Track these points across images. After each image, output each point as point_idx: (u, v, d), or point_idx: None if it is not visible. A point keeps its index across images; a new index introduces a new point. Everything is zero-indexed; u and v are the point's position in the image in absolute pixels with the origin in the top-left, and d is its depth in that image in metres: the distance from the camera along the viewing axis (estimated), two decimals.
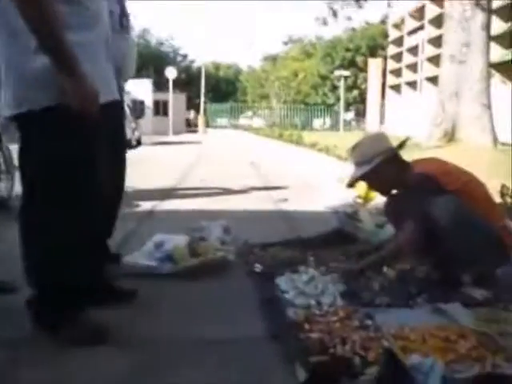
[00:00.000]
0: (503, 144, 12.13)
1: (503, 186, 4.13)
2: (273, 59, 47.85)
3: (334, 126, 30.79)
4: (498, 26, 17.06)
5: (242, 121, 35.31)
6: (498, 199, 4.05)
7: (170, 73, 23.40)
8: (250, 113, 37.37)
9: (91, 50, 1.66)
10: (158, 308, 2.02)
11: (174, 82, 23.97)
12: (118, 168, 2.18)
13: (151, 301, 2.06)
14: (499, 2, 16.87)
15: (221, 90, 47.63)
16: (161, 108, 24.79)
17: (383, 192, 2.46)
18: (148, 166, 7.71)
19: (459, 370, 1.41)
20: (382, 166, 2.28)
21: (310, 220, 3.76)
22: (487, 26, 12.59)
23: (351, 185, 2.47)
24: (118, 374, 1.50)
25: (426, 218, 2.12)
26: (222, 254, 2.50)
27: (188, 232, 2.72)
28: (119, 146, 2.17)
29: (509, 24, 17.28)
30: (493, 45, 15.86)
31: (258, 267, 2.41)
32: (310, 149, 12.00)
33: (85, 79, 1.56)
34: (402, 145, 2.42)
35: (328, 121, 34.38)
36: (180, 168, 7.65)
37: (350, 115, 35.26)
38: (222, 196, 5.04)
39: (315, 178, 6.43)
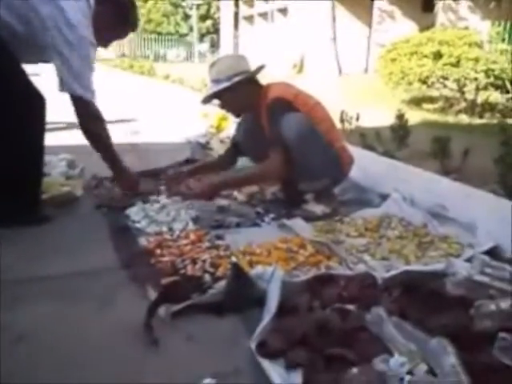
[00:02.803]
0: (347, 74, 13.02)
1: (342, 112, 4.47)
2: None
3: (189, 58, 30.06)
4: None
5: None
6: (338, 124, 4.39)
7: None
8: None
9: None
10: None
11: None
12: None
13: None
14: None
15: None
16: None
17: (235, 112, 2.50)
18: None
19: (298, 275, 1.55)
20: (240, 86, 2.30)
21: (163, 151, 3.70)
22: None
23: (206, 101, 2.46)
24: None
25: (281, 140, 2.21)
26: (67, 189, 2.36)
27: None
28: None
29: None
30: None
31: (107, 199, 2.32)
32: (163, 80, 11.64)
33: None
34: (258, 70, 2.45)
35: (182, 52, 33.39)
36: None
37: (205, 46, 34.63)
38: (67, 130, 4.69)
39: (168, 110, 6.30)
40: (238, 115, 2.51)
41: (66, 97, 2.15)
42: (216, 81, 2.35)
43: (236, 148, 2.64)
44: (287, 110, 2.22)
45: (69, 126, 4.87)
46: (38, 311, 1.43)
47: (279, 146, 2.22)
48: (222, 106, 2.47)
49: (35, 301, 1.49)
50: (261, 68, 2.47)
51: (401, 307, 1.28)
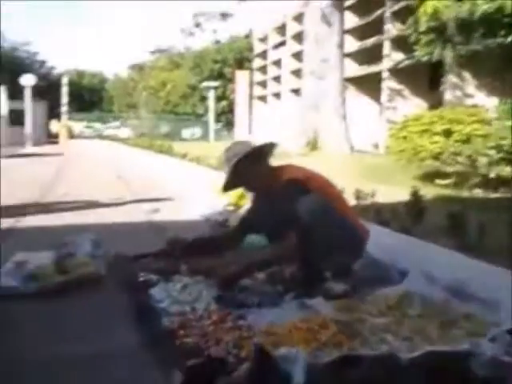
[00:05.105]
0: (358, 151, 13.33)
1: (357, 190, 4.56)
2: (140, 68, 47.01)
3: (205, 136, 31.11)
4: (352, 44, 18.78)
5: (110, 131, 34.00)
6: (353, 201, 4.47)
7: (27, 80, 21.67)
8: (117, 123, 36.17)
9: None
10: (22, 329, 1.89)
11: (33, 89, 22.30)
12: None
13: (15, 322, 1.93)
14: (352, 23, 18.58)
15: (85, 99, 45.53)
16: (17, 117, 22.91)
17: (251, 190, 2.62)
18: (2, 181, 6.93)
19: (321, 356, 1.55)
20: (240, 165, 2.41)
21: (182, 229, 3.76)
22: (341, 45, 13.80)
23: (225, 189, 2.58)
24: None
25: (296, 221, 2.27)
26: (92, 269, 2.41)
27: (54, 248, 2.58)
28: None
29: (360, 43, 19.08)
30: (348, 61, 17.45)
31: (130, 279, 2.37)
32: (181, 159, 12.02)
33: None
34: (264, 147, 2.56)
35: (198, 131, 34.63)
36: (39, 182, 7.14)
37: (220, 125, 35.95)
38: (88, 210, 4.84)
39: (187, 188, 6.46)
40: (254, 190, 2.61)
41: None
42: (226, 168, 2.49)
43: (245, 226, 2.71)
44: (301, 191, 2.32)
45: (90, 206, 5.04)
46: None
47: (293, 228, 2.28)
48: (243, 186, 2.57)
49: (63, 381, 1.50)
50: (267, 146, 2.58)
51: None
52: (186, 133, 33.95)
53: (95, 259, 2.53)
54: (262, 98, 30.92)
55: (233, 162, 2.42)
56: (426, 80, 16.46)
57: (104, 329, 1.91)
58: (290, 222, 2.27)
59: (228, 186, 2.59)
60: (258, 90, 31.51)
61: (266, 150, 2.55)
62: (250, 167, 2.45)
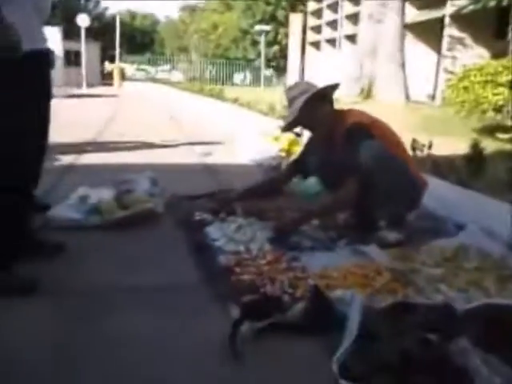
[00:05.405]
0: (413, 101, 12.82)
1: (414, 141, 4.41)
2: (191, 10, 46.27)
3: (255, 82, 30.64)
4: None
5: (160, 74, 34.12)
6: (409, 152, 4.35)
7: (83, 20, 21.72)
8: (168, 66, 36.16)
9: None
10: (87, 259, 2.00)
11: (87, 30, 22.46)
12: (43, 118, 2.04)
13: (80, 253, 2.04)
14: None
15: (137, 41, 45.56)
16: (72, 58, 23.30)
17: (312, 131, 2.54)
18: (62, 120, 7.08)
19: (375, 300, 1.56)
20: (307, 105, 2.33)
21: (235, 173, 3.82)
22: None
23: (287, 129, 2.56)
24: (50, 324, 1.50)
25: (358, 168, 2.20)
26: (150, 206, 2.49)
27: (114, 185, 2.67)
28: (44, 97, 2.02)
29: None
30: (406, 5, 16.44)
31: (186, 218, 2.44)
32: (232, 104, 11.96)
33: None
34: (330, 88, 2.48)
35: (248, 76, 34.12)
36: (96, 122, 7.31)
37: (271, 71, 35.24)
38: (143, 150, 4.95)
39: (238, 133, 6.45)
40: (316, 131, 2.53)
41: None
42: (293, 99, 2.40)
43: (296, 168, 2.70)
44: (365, 135, 2.25)
45: (145, 146, 5.15)
46: (129, 321, 1.53)
47: (355, 175, 2.22)
48: (304, 127, 2.51)
49: (126, 310, 1.59)
50: (337, 86, 2.49)
51: (485, 340, 1.27)
52: (237, 78, 33.53)
53: (153, 197, 2.61)
54: (315, 44, 29.89)
55: (301, 101, 2.34)
56: (490, 28, 15.36)
57: (163, 263, 1.99)
58: (352, 167, 2.22)
59: (291, 126, 2.54)
60: (310, 36, 30.44)
61: (331, 92, 2.46)
62: (315, 108, 2.37)
